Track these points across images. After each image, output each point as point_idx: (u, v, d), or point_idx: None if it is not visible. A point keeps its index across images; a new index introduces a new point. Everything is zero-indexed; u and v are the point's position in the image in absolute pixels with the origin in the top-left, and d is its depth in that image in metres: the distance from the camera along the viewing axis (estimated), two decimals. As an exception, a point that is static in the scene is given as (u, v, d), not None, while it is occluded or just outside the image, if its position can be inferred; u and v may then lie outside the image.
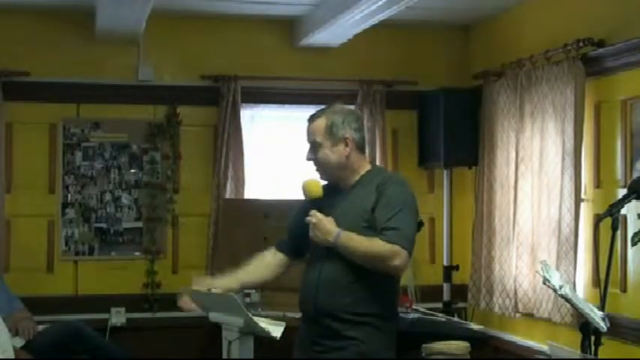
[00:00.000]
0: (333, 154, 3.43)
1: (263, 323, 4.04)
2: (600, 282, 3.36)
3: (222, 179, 6.20)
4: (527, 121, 5.65)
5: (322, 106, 3.57)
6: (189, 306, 3.63)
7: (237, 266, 5.65)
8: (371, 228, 3.33)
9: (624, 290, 4.81)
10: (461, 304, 6.26)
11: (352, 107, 5.22)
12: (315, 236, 3.36)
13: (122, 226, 6.21)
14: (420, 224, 5.28)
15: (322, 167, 3.47)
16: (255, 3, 6.00)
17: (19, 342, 5.21)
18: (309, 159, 3.49)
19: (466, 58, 6.67)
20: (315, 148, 3.46)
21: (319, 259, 3.43)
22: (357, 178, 3.47)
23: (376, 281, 3.35)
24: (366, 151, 3.60)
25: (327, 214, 3.37)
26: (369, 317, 3.37)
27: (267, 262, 3.66)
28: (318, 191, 3.44)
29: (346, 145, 3.44)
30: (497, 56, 6.09)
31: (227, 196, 6.20)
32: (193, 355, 6.03)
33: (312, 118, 3.52)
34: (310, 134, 3.49)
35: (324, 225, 3.33)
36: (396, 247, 3.26)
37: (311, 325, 3.43)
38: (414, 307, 5.26)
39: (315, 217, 3.35)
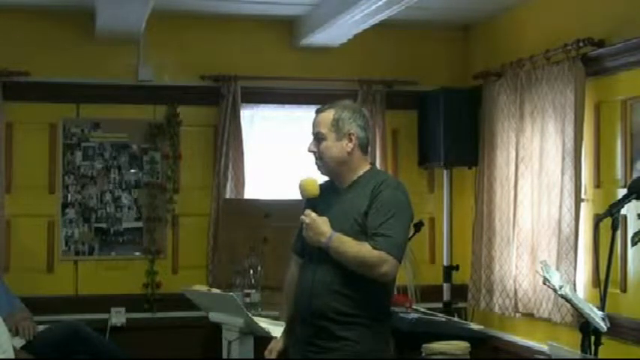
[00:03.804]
0: (336, 147, 3.42)
1: (263, 323, 4.05)
2: (600, 282, 3.36)
3: (222, 179, 6.20)
4: (527, 121, 5.65)
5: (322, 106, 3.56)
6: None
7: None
8: (364, 232, 3.33)
9: (624, 290, 4.81)
10: (461, 304, 6.26)
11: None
12: (307, 237, 3.36)
13: (122, 226, 6.21)
14: (420, 224, 5.33)
15: (323, 160, 3.45)
16: (255, 3, 6.00)
17: (20, 342, 5.21)
18: (310, 151, 3.47)
19: (466, 58, 6.67)
20: (318, 140, 3.45)
21: (313, 260, 3.42)
22: (355, 177, 3.46)
23: (369, 283, 3.34)
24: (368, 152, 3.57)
25: (321, 214, 3.36)
26: (363, 318, 3.36)
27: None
28: (314, 190, 3.43)
29: (350, 140, 3.43)
30: (497, 56, 6.09)
31: (227, 196, 6.20)
32: (193, 355, 6.03)
33: (319, 110, 3.50)
34: (315, 126, 3.47)
35: (318, 225, 3.33)
36: (384, 255, 3.26)
37: (306, 326, 3.43)
38: (414, 307, 5.25)
39: (309, 217, 3.35)
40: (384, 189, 3.36)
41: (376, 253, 3.26)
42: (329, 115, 3.45)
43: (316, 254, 3.39)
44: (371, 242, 3.28)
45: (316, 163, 3.49)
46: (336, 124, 3.42)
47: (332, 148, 3.42)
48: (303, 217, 3.36)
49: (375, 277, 3.30)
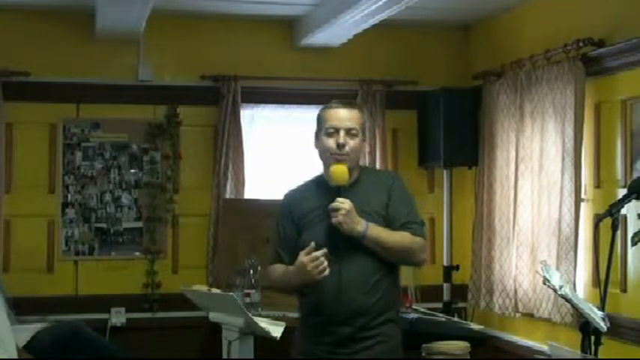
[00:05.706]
0: (361, 148, 3.46)
1: (263, 323, 4.05)
2: (600, 282, 3.36)
3: (222, 179, 6.20)
4: (527, 121, 5.65)
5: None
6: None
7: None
8: (387, 224, 3.35)
9: (624, 290, 4.81)
10: (461, 304, 6.26)
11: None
12: (344, 223, 3.23)
13: (122, 226, 6.21)
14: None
15: (350, 156, 3.40)
16: (255, 3, 6.00)
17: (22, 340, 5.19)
18: (344, 144, 3.37)
19: (466, 58, 6.67)
20: (351, 135, 3.40)
21: (336, 261, 3.29)
22: (354, 176, 3.45)
23: (394, 276, 3.42)
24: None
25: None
26: (392, 312, 3.40)
27: None
28: (345, 176, 3.34)
29: (365, 143, 3.54)
30: (497, 56, 6.09)
31: (227, 196, 6.20)
32: (193, 355, 6.03)
33: (349, 105, 3.48)
34: (349, 120, 3.41)
35: (355, 214, 3.26)
36: (423, 241, 3.39)
37: (333, 327, 3.32)
38: (414, 307, 5.26)
39: (347, 203, 3.25)
40: (395, 181, 3.47)
41: (418, 239, 3.36)
42: (360, 115, 3.46)
43: (339, 252, 3.29)
44: (408, 230, 3.34)
45: (341, 158, 3.37)
46: (364, 126, 3.47)
47: (359, 148, 3.45)
48: (336, 204, 3.24)
49: (414, 263, 3.46)
